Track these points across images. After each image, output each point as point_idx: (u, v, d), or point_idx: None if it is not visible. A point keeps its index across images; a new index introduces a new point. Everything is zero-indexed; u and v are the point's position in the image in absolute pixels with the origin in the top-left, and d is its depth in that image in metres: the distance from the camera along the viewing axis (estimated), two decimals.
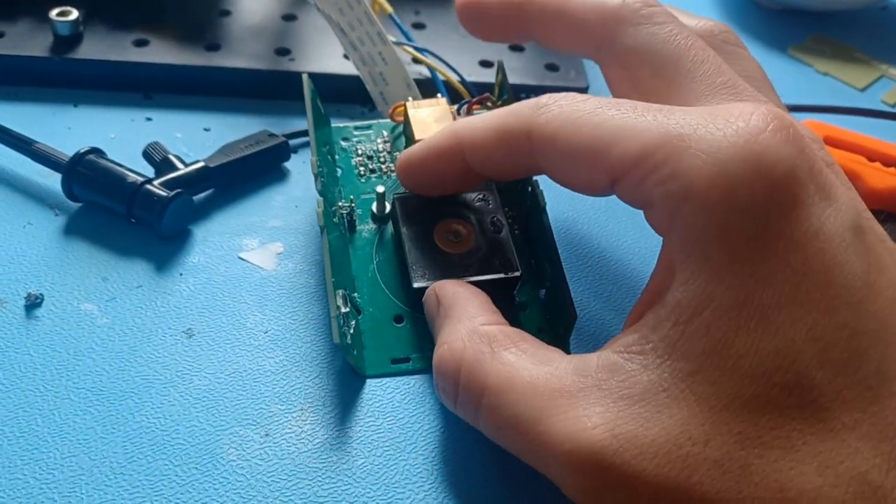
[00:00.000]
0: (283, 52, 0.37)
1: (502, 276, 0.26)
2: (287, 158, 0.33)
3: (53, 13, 0.35)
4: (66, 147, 0.31)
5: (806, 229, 0.18)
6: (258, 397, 0.25)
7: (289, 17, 0.39)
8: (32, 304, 0.27)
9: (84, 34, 0.36)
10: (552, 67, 0.38)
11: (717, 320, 0.18)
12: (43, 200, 0.30)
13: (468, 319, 0.23)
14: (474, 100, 0.31)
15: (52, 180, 0.31)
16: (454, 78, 0.35)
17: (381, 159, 0.31)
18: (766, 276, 0.18)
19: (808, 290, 0.18)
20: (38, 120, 0.34)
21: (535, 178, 0.28)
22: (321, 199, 0.27)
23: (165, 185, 0.29)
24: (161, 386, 0.25)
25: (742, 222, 0.18)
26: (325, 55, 0.37)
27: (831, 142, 0.35)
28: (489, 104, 0.32)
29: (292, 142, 0.33)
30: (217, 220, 0.31)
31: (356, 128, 0.32)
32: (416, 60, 0.36)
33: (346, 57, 0.37)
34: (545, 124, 0.22)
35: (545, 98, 0.23)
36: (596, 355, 0.20)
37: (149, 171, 0.31)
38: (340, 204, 0.29)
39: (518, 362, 0.21)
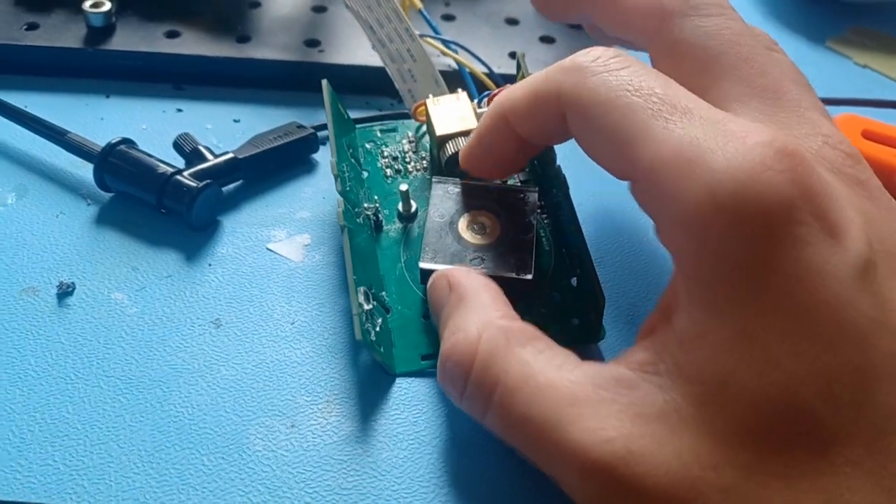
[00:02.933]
0: (312, 43, 0.37)
1: (513, 275, 0.26)
2: (315, 150, 0.33)
3: (87, 4, 0.35)
4: (99, 137, 0.31)
5: (807, 267, 0.18)
6: (284, 388, 0.25)
7: (319, 9, 0.39)
8: (64, 292, 0.27)
9: (116, 25, 0.36)
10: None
11: (718, 351, 0.19)
12: (75, 190, 0.31)
13: (483, 309, 0.23)
14: (493, 92, 0.31)
15: (84, 170, 0.31)
16: (481, 70, 0.34)
17: (407, 160, 0.31)
18: (766, 310, 0.18)
19: (810, 325, 0.18)
20: (71, 110, 0.34)
21: (558, 163, 0.28)
22: (342, 199, 0.27)
23: (195, 175, 0.29)
24: (189, 375, 0.25)
25: (740, 256, 0.18)
26: (355, 46, 0.37)
27: (870, 136, 0.34)
28: None
29: (321, 133, 0.33)
30: (246, 211, 0.31)
31: (381, 130, 0.32)
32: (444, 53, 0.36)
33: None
34: (576, 95, 0.22)
35: (581, 58, 0.22)
36: (612, 367, 0.20)
37: (179, 161, 0.31)
38: (366, 205, 0.29)
39: (535, 362, 0.21)
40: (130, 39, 0.36)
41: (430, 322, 0.27)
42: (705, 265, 0.19)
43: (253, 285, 0.28)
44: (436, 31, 0.36)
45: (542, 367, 0.21)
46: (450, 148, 0.29)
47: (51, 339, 0.26)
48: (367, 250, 0.28)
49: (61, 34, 0.36)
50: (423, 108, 0.30)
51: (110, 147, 0.29)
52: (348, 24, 0.38)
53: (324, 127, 0.34)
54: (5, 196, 0.30)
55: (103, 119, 0.34)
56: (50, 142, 0.31)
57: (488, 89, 0.34)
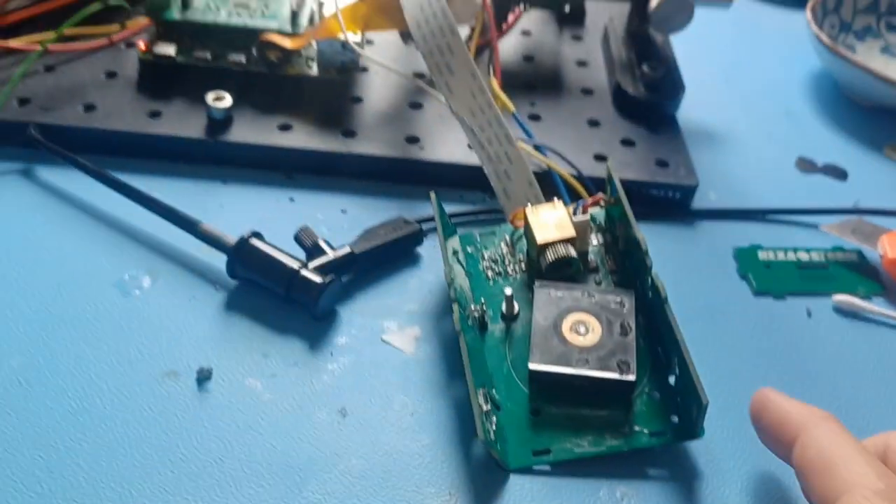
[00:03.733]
0: (412, 139, 0.40)
1: (616, 376, 0.28)
2: (420, 244, 0.36)
3: (210, 98, 0.38)
4: (220, 223, 0.34)
5: None
6: (410, 479, 0.27)
7: (415, 106, 0.42)
8: (203, 377, 0.29)
9: (234, 117, 0.39)
10: (662, 163, 0.40)
11: None
12: (204, 276, 0.33)
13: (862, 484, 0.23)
14: (589, 202, 0.34)
15: (210, 257, 0.34)
16: (569, 173, 0.37)
17: (507, 262, 0.33)
18: None
19: None
20: (192, 195, 0.37)
21: (653, 268, 0.30)
22: (456, 304, 0.29)
23: (318, 269, 0.32)
24: (322, 463, 0.27)
25: None
26: (451, 143, 0.40)
27: None
28: (601, 204, 0.34)
29: (426, 226, 0.36)
30: (359, 302, 0.33)
31: (480, 234, 0.34)
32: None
33: (471, 147, 0.39)
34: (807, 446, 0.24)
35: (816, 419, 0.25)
36: None
37: (299, 252, 0.33)
38: (472, 307, 0.31)
39: None
40: (247, 131, 0.39)
41: (538, 418, 0.29)
42: None
43: (372, 376, 0.30)
44: (528, 135, 0.39)
45: None
46: (550, 255, 0.31)
47: (195, 424, 0.28)
48: (477, 350, 0.30)
49: (184, 123, 0.39)
50: (521, 214, 0.33)
51: (243, 240, 0.32)
52: (443, 121, 0.41)
53: (426, 220, 0.36)
54: (140, 280, 0.33)
55: (223, 206, 0.37)
56: (184, 231, 0.34)
57: (577, 193, 0.37)
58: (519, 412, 0.29)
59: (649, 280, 0.30)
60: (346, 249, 0.33)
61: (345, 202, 0.38)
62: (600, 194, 0.34)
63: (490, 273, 0.33)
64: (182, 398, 0.29)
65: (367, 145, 0.39)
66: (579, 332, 0.30)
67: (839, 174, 0.43)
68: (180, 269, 0.34)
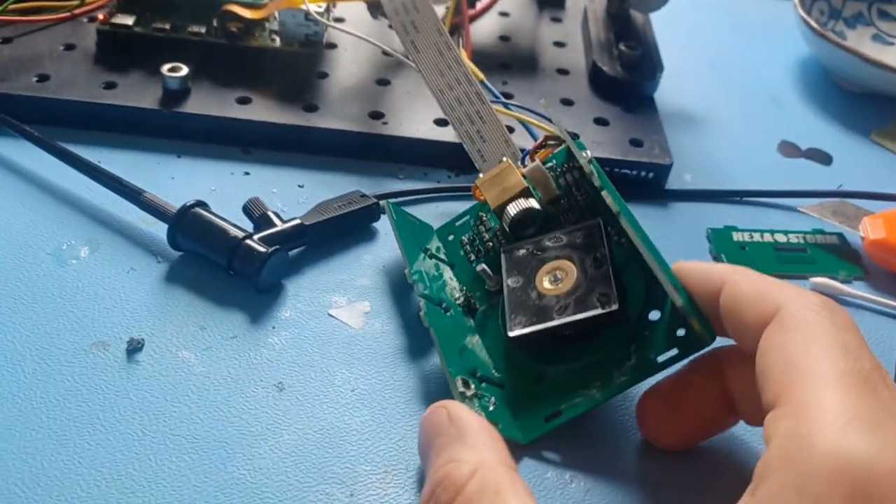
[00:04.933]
0: (376, 115, 0.38)
1: (599, 311, 0.26)
2: (377, 219, 0.34)
3: (165, 68, 0.37)
4: (169, 196, 0.32)
5: None
6: (344, 456, 0.25)
7: (382, 82, 0.41)
8: (134, 348, 0.28)
9: (191, 89, 0.38)
10: (636, 143, 0.38)
11: None
12: (146, 247, 0.32)
13: (482, 447, 0.22)
14: (532, 148, 0.32)
15: (155, 228, 0.32)
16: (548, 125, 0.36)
17: (484, 238, 0.31)
18: None
19: None
20: (143, 167, 0.35)
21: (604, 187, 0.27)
22: (422, 300, 0.28)
23: (264, 240, 0.30)
24: (252, 438, 0.26)
25: None
26: (417, 120, 0.38)
27: None
28: (550, 143, 0.32)
29: (383, 202, 0.34)
30: (308, 276, 0.32)
31: (455, 222, 0.33)
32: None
33: (437, 123, 0.38)
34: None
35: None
36: None
37: (247, 224, 0.32)
38: (456, 295, 0.30)
39: None
40: (204, 103, 0.37)
41: (543, 383, 0.27)
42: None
43: (315, 350, 0.29)
44: (496, 96, 0.37)
45: None
46: (508, 214, 0.30)
47: (119, 395, 0.26)
48: (462, 338, 0.28)
49: (138, 94, 0.37)
50: (477, 191, 0.31)
51: (185, 209, 0.31)
52: (410, 98, 0.40)
53: (385, 196, 0.35)
54: (78, 249, 0.31)
55: (174, 178, 0.35)
56: (126, 200, 0.32)
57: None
58: (524, 384, 0.27)
59: (603, 200, 0.28)
60: (296, 221, 0.32)
61: (303, 177, 0.36)
62: (542, 136, 0.32)
63: (472, 256, 0.31)
64: (109, 369, 0.27)
65: (329, 120, 0.37)
66: (554, 280, 0.27)
67: (823, 158, 0.42)
68: (122, 239, 0.32)
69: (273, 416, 0.26)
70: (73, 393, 0.26)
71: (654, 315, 0.26)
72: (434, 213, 0.35)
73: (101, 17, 0.40)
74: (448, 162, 0.38)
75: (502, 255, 0.29)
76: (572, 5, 0.49)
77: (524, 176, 0.30)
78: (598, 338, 0.27)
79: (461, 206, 0.35)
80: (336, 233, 0.33)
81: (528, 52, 0.45)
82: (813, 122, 0.45)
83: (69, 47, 0.40)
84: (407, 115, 0.39)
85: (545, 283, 0.27)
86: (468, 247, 0.32)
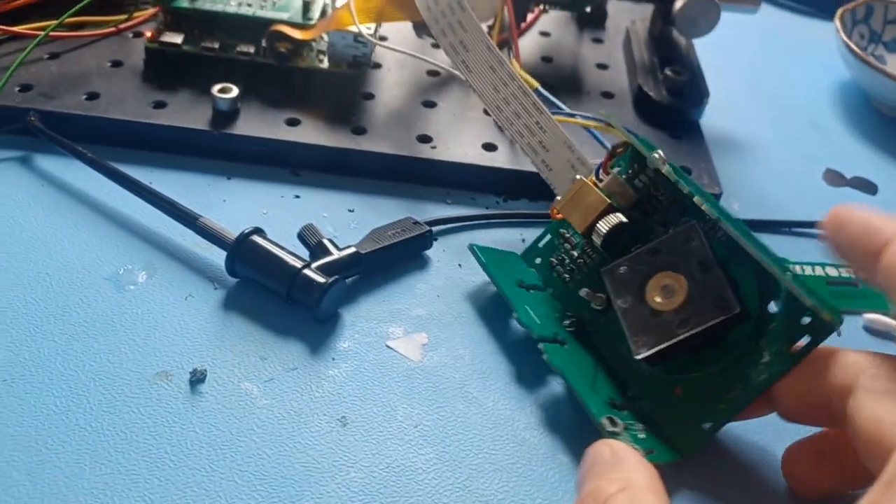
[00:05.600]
0: (424, 139, 0.38)
1: (722, 317, 0.26)
2: (429, 247, 0.34)
3: (215, 89, 0.37)
4: (222, 219, 0.32)
5: None
6: (411, 496, 0.25)
7: (428, 104, 0.41)
8: (197, 379, 0.28)
9: (240, 110, 0.38)
10: (685, 171, 0.38)
11: None
12: (202, 273, 0.32)
13: (634, 472, 0.23)
14: (605, 159, 0.32)
15: (210, 253, 0.32)
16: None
17: (573, 255, 0.32)
18: None
19: None
20: (194, 189, 0.35)
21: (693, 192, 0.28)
22: (542, 346, 0.28)
23: (321, 269, 0.30)
24: (319, 475, 0.26)
25: None
26: (465, 144, 0.38)
27: None
28: (619, 150, 0.31)
29: (436, 229, 0.34)
30: (364, 305, 0.32)
31: (537, 244, 0.33)
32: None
33: (485, 148, 0.38)
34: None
35: None
36: None
37: (302, 250, 0.32)
38: (565, 322, 0.30)
39: None
40: (254, 124, 0.37)
41: (684, 397, 0.27)
42: None
43: (375, 383, 0.29)
44: (558, 107, 0.38)
45: None
46: (597, 235, 0.30)
47: (185, 428, 0.26)
48: (587, 368, 0.29)
49: (188, 115, 0.37)
50: (554, 210, 0.31)
51: (244, 237, 0.31)
52: (457, 120, 0.40)
53: (436, 223, 0.35)
54: (136, 275, 0.31)
55: (226, 201, 0.35)
56: (182, 224, 0.32)
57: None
58: (664, 399, 0.27)
59: (684, 194, 0.28)
60: (352, 249, 0.32)
61: (352, 201, 0.36)
62: (611, 147, 0.32)
63: (567, 276, 0.32)
64: (174, 401, 0.27)
65: (377, 143, 0.37)
66: (666, 294, 0.27)
67: (869, 188, 0.42)
68: (178, 264, 0.32)
69: (338, 453, 0.26)
70: (139, 425, 0.26)
71: (774, 306, 0.26)
72: (486, 241, 0.35)
73: (149, 34, 0.40)
74: (496, 187, 0.38)
75: (604, 277, 0.29)
76: (612, 25, 0.49)
77: (601, 190, 0.30)
78: (725, 340, 0.27)
79: (513, 233, 0.36)
80: (390, 261, 0.33)
81: (572, 73, 0.45)
82: (856, 148, 0.45)
83: (116, 64, 0.40)
84: (454, 138, 0.38)
85: (657, 298, 0.27)
86: (559, 268, 0.32)
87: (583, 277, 0.31)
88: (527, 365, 0.30)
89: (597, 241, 0.30)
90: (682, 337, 0.26)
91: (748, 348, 0.26)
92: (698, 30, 0.41)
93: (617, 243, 0.30)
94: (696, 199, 0.27)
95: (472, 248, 0.32)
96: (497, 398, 0.29)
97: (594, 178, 0.31)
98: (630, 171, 0.31)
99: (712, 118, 0.43)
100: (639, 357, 0.27)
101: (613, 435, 0.26)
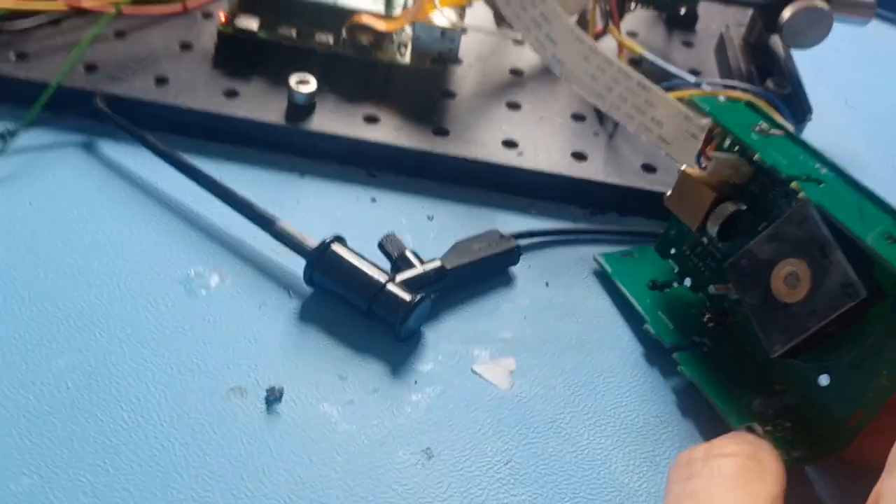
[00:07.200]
0: (510, 144, 0.36)
1: (851, 304, 0.23)
2: (515, 262, 0.32)
3: (293, 81, 0.35)
4: (296, 221, 0.30)
5: None
6: None
7: (513, 106, 0.38)
8: (274, 398, 0.26)
9: (316, 104, 0.36)
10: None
11: None
12: (277, 279, 0.30)
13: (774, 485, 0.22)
14: (705, 147, 0.29)
15: (285, 259, 0.30)
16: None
17: (704, 242, 0.30)
18: None
19: None
20: (266, 186, 0.33)
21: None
22: (676, 355, 0.28)
23: (405, 284, 0.28)
24: None
25: None
26: (553, 151, 0.36)
27: None
28: (716, 129, 0.29)
29: (522, 242, 0.32)
30: (447, 324, 0.29)
31: (669, 232, 0.31)
32: None
33: (574, 157, 0.36)
34: None
35: None
36: None
37: (381, 259, 0.30)
38: (706, 317, 0.30)
39: None
40: (330, 120, 0.35)
41: (829, 388, 0.25)
42: None
43: (461, 412, 0.27)
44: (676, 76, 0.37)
45: None
46: (712, 228, 0.28)
47: (262, 452, 0.24)
48: (726, 373, 0.27)
49: (262, 106, 0.35)
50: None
51: (325, 246, 0.29)
52: (543, 125, 0.37)
53: (522, 236, 0.33)
54: (207, 278, 0.29)
55: (299, 202, 0.33)
56: (257, 226, 0.30)
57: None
58: (810, 391, 0.26)
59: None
60: (437, 263, 0.30)
61: (431, 207, 0.34)
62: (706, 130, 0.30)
63: (701, 266, 0.30)
64: (249, 421, 0.25)
65: (460, 146, 0.35)
66: (791, 284, 0.25)
67: None
68: (251, 269, 0.30)
69: (425, 488, 0.24)
70: (213, 446, 0.24)
71: None
72: (573, 258, 0.33)
73: (223, 17, 0.37)
74: (584, 200, 0.35)
75: (728, 273, 0.27)
76: (702, 28, 0.47)
77: (705, 180, 0.28)
78: (863, 321, 0.24)
79: (603, 249, 0.33)
80: (475, 277, 0.31)
81: (663, 77, 0.42)
82: None
83: (185, 46, 0.38)
84: (542, 144, 0.36)
85: (783, 289, 0.25)
86: (693, 258, 0.30)
87: (717, 265, 0.29)
88: (625, 400, 0.28)
89: (713, 237, 0.28)
90: (812, 331, 0.24)
91: (889, 329, 0.24)
92: (806, 41, 0.39)
93: (735, 232, 0.28)
94: (794, 184, 0.25)
95: (602, 257, 0.32)
96: (592, 435, 0.27)
97: (697, 167, 0.29)
98: (737, 148, 0.28)
99: (809, 135, 0.40)
100: (774, 356, 0.25)
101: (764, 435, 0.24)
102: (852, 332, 0.25)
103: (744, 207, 0.27)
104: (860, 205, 0.25)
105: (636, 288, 0.31)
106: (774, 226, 0.26)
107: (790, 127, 0.28)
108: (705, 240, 0.30)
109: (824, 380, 0.26)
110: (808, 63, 0.45)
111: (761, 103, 0.33)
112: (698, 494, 0.22)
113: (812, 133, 0.41)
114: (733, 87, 0.35)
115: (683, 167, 0.28)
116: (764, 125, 0.28)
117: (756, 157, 0.27)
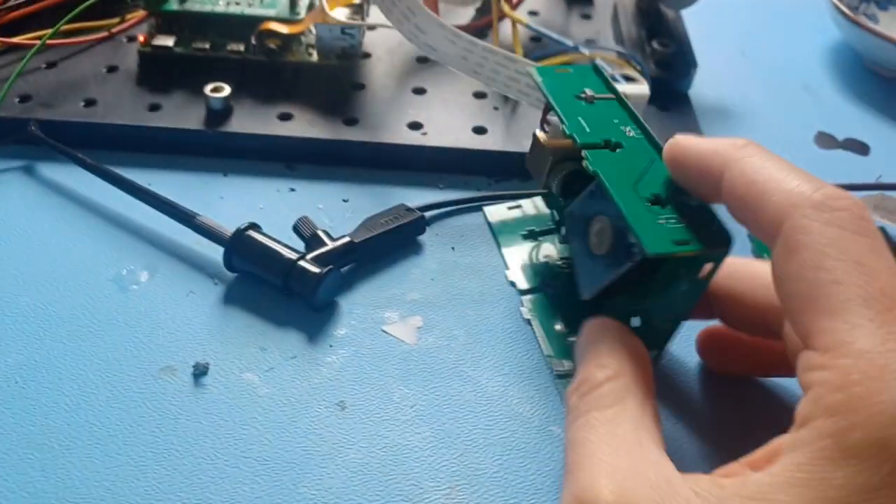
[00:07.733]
0: (415, 125, 0.39)
1: (630, 265, 0.26)
2: (422, 232, 0.35)
3: (208, 89, 0.38)
4: (220, 216, 0.33)
5: None
6: (409, 473, 0.26)
7: (419, 91, 0.41)
8: (200, 372, 0.29)
9: (233, 108, 0.39)
10: None
11: None
12: (202, 269, 0.33)
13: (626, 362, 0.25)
14: (542, 113, 0.32)
15: (209, 250, 0.33)
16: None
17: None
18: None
19: None
20: (192, 188, 0.36)
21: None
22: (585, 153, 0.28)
23: (316, 260, 0.31)
24: (320, 458, 0.27)
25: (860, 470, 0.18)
26: (456, 129, 0.39)
27: None
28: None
29: (427, 214, 0.35)
30: (360, 293, 0.32)
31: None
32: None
33: (475, 131, 0.39)
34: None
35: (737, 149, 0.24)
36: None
37: (298, 243, 0.33)
38: (561, 262, 0.33)
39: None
40: (247, 121, 0.38)
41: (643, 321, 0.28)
42: (826, 454, 0.19)
43: (372, 367, 0.30)
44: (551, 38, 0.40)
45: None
46: (554, 187, 0.30)
47: (190, 419, 0.27)
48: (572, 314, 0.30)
49: (183, 115, 0.38)
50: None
51: (240, 232, 0.32)
52: (447, 106, 0.40)
53: (429, 208, 0.35)
54: (138, 274, 0.32)
55: (223, 198, 0.36)
56: (180, 223, 0.33)
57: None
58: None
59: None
60: (346, 239, 0.33)
61: (347, 191, 0.37)
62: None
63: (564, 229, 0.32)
64: (178, 394, 0.28)
65: (369, 133, 0.38)
66: (598, 239, 0.27)
67: (860, 149, 0.42)
68: (178, 263, 0.33)
69: (338, 436, 0.27)
70: (146, 419, 0.27)
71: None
72: (478, 223, 0.36)
73: (141, 38, 0.40)
74: (487, 169, 0.38)
75: (566, 220, 0.30)
76: (601, 2, 0.49)
77: (546, 143, 0.30)
78: (659, 274, 0.27)
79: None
80: (384, 248, 0.34)
81: (561, 51, 0.45)
82: (849, 110, 0.45)
83: (112, 69, 0.41)
84: (445, 123, 0.39)
85: (595, 241, 0.27)
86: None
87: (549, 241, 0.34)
88: (520, 342, 0.31)
89: (555, 192, 0.30)
90: (606, 283, 0.27)
91: (663, 283, 0.27)
92: (682, 2, 0.42)
93: (575, 188, 0.29)
94: (583, 152, 0.27)
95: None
96: (490, 375, 0.30)
97: (543, 132, 0.31)
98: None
99: (703, 88, 0.43)
100: (582, 299, 0.28)
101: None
102: (655, 282, 0.27)
103: (580, 168, 0.29)
104: (650, 168, 0.27)
105: (510, 239, 0.34)
106: (591, 185, 0.28)
107: (627, 89, 0.31)
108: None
109: (636, 321, 0.28)
110: (706, 20, 0.48)
111: (623, 63, 0.36)
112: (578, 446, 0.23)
113: (709, 84, 0.44)
114: (607, 50, 0.37)
115: (535, 131, 0.31)
116: (589, 92, 0.30)
117: (563, 126, 0.29)
